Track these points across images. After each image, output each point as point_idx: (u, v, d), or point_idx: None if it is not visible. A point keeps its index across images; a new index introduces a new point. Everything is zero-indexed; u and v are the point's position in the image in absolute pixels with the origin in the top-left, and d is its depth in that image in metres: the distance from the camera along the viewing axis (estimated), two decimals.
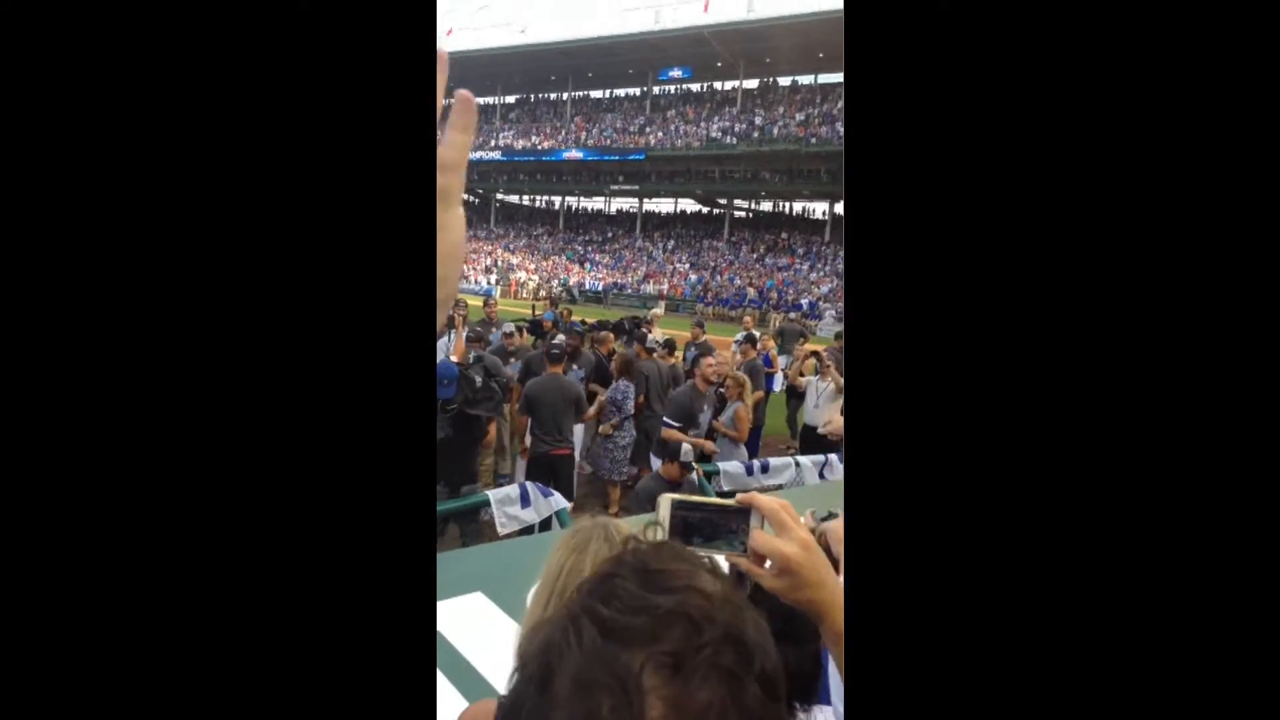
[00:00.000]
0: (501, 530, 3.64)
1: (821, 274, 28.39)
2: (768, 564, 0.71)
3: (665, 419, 4.85)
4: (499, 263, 33.98)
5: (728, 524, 0.73)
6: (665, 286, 29.97)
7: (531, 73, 37.98)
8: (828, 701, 0.97)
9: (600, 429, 5.32)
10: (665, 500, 0.75)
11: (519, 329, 6.97)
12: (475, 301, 11.97)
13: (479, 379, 4.14)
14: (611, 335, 7.26)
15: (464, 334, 5.72)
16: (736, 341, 7.11)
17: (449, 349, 5.52)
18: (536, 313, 8.45)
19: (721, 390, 5.25)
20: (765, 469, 4.87)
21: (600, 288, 30.56)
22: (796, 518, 0.72)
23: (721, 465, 4.64)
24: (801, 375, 6.54)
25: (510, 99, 40.73)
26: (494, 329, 6.93)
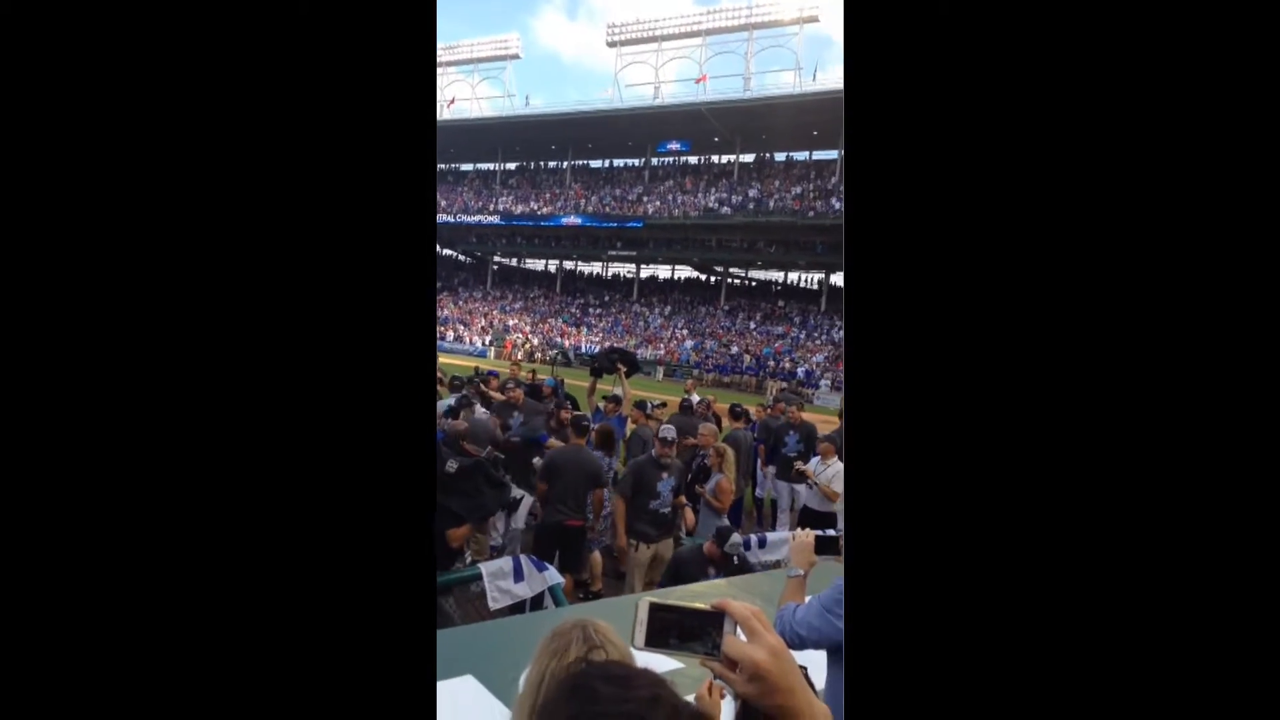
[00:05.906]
0: (493, 605, 3.50)
1: (818, 342, 28.66)
2: (739, 669, 0.75)
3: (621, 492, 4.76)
4: (494, 324, 34.22)
5: (702, 627, 0.75)
6: (662, 351, 30.14)
7: (532, 141, 38.93)
8: None
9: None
10: (643, 602, 0.77)
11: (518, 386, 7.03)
12: (500, 367, 11.84)
13: (453, 465, 3.67)
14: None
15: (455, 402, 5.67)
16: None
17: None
18: (537, 377, 8.71)
19: (707, 461, 5.31)
20: (763, 544, 4.87)
21: (596, 351, 30.66)
22: (768, 624, 0.77)
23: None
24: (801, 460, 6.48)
25: (510, 165, 41.72)
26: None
